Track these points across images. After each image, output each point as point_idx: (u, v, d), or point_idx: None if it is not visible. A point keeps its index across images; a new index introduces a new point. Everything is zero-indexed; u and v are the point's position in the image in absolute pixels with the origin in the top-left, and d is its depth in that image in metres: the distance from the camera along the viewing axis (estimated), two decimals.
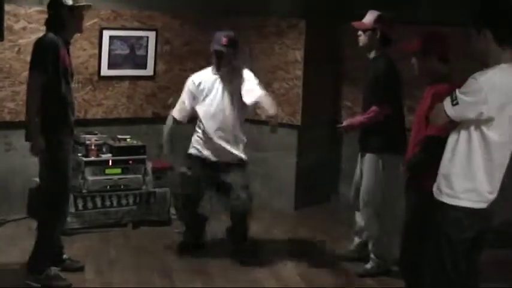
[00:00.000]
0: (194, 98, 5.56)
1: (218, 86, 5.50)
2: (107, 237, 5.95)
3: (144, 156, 6.33)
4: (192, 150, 5.61)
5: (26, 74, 4.98)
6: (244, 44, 6.87)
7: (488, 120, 3.43)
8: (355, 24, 5.33)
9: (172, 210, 6.35)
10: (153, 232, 6.15)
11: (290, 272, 5.41)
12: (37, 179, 5.10)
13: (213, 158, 5.52)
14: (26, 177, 5.81)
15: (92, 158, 6.10)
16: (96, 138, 6.23)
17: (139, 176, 6.28)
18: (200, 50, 6.92)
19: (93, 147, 6.12)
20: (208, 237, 5.90)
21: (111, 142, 6.29)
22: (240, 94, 5.44)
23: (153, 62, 6.82)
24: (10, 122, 6.10)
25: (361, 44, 5.31)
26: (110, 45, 6.54)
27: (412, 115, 4.49)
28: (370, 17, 5.26)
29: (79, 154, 6.04)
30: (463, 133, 3.51)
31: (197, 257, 5.57)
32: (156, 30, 6.76)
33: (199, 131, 5.59)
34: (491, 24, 3.47)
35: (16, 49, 6.05)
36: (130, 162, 6.25)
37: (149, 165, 6.36)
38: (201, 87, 5.53)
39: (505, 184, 3.67)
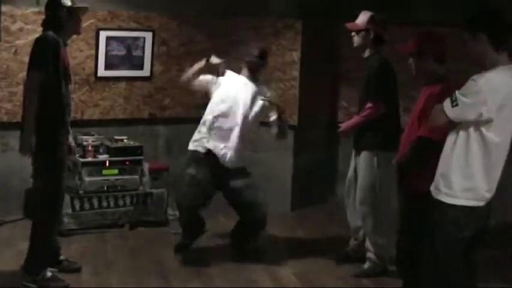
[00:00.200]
0: (213, 84, 5.58)
1: (240, 90, 5.49)
2: (104, 238, 5.95)
3: (141, 157, 6.34)
4: (197, 148, 5.52)
5: (22, 74, 4.99)
6: (241, 45, 6.90)
7: (488, 121, 3.47)
8: (349, 25, 5.35)
9: (170, 211, 6.37)
10: (150, 233, 6.16)
11: (287, 272, 5.41)
12: None
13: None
14: (23, 178, 5.79)
15: (89, 159, 6.11)
16: (93, 139, 6.24)
17: (136, 176, 6.28)
18: (197, 51, 6.92)
19: (90, 148, 6.13)
20: (207, 238, 5.91)
21: (108, 143, 6.30)
22: (254, 105, 5.49)
23: (149, 63, 6.81)
24: (7, 122, 6.11)
25: (355, 44, 5.35)
26: (106, 46, 6.54)
27: (408, 115, 4.50)
28: (363, 18, 5.29)
29: (76, 155, 6.03)
30: (462, 133, 3.55)
31: (195, 258, 5.57)
32: (152, 31, 6.76)
33: (205, 125, 5.52)
34: (487, 29, 3.51)
35: (13, 50, 6.05)
36: (127, 163, 6.25)
37: (146, 166, 6.36)
38: (224, 82, 5.56)
39: (502, 185, 3.70)
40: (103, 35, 6.50)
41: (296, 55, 6.79)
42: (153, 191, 6.33)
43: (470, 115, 3.48)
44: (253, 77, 5.55)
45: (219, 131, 5.44)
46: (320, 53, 6.98)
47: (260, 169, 6.60)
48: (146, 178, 6.34)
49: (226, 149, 5.41)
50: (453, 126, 3.61)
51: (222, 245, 5.84)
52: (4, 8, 5.97)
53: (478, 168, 3.55)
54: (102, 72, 6.57)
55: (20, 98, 5.83)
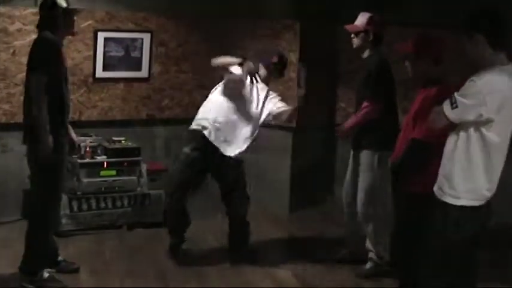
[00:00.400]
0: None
1: (253, 89, 5.51)
2: (101, 239, 5.95)
3: (139, 158, 6.34)
4: (197, 126, 5.47)
5: (21, 75, 4.98)
6: (239, 46, 6.91)
7: (487, 122, 3.48)
8: (348, 27, 5.35)
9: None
10: (147, 234, 6.15)
11: (285, 273, 5.41)
12: None
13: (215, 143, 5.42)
14: (21, 178, 5.79)
15: (87, 160, 6.10)
16: (91, 140, 6.24)
17: (134, 177, 6.28)
18: (195, 52, 6.93)
19: (88, 149, 6.13)
20: (205, 239, 5.90)
21: (106, 144, 6.29)
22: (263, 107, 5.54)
23: (148, 64, 6.81)
24: (5, 123, 6.10)
25: (354, 46, 5.35)
26: (104, 47, 6.54)
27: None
28: (361, 19, 5.29)
29: (74, 156, 6.04)
30: (462, 134, 3.57)
31: (192, 259, 5.57)
32: (151, 31, 6.76)
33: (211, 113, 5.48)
34: (485, 29, 3.52)
35: (11, 51, 6.05)
36: (125, 164, 6.25)
37: (144, 167, 6.36)
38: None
39: (502, 185, 3.71)
40: (101, 36, 6.50)
41: (294, 56, 6.79)
42: (151, 192, 6.33)
43: (470, 116, 3.49)
44: (267, 81, 5.62)
45: (224, 125, 5.41)
46: (318, 54, 6.98)
47: (258, 170, 6.61)
48: (144, 179, 6.34)
49: (227, 143, 5.40)
50: (453, 128, 3.62)
51: (221, 246, 5.83)
52: (2, 9, 5.97)
53: (479, 169, 3.58)
54: (100, 73, 6.57)
55: (18, 99, 5.83)
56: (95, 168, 6.13)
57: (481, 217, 3.67)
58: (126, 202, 6.24)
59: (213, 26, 6.98)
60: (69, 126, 4.96)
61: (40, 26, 4.73)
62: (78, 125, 6.18)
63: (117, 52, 6.63)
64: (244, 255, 5.60)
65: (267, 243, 6.10)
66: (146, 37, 6.75)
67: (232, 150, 5.40)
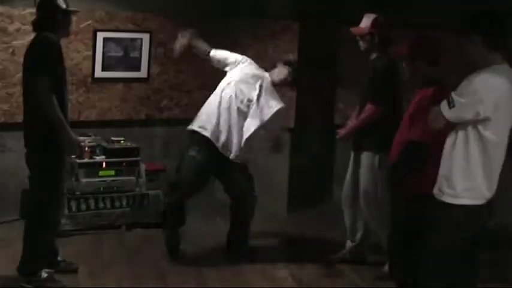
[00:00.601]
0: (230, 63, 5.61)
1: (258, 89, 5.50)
2: (100, 239, 5.95)
3: (138, 158, 6.34)
4: (198, 128, 5.47)
5: (20, 75, 4.95)
6: (238, 46, 6.90)
7: (485, 120, 3.50)
8: (353, 30, 5.32)
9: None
10: (146, 234, 6.16)
11: (283, 274, 5.42)
12: None
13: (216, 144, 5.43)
14: (20, 178, 5.79)
15: (86, 160, 6.11)
16: (89, 140, 6.24)
17: (133, 178, 6.29)
18: (194, 52, 6.92)
19: (86, 149, 6.13)
20: (204, 239, 5.91)
21: (104, 144, 6.29)
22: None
23: (147, 64, 6.81)
24: (4, 123, 6.10)
25: (361, 48, 5.31)
26: (103, 47, 6.54)
27: None
28: (366, 21, 5.25)
29: (73, 156, 6.03)
30: (461, 134, 3.59)
31: (191, 259, 5.57)
32: (150, 32, 6.76)
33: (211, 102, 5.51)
34: (481, 30, 3.54)
35: (10, 51, 6.05)
36: (124, 164, 6.25)
37: (143, 167, 6.36)
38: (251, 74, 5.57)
39: (502, 185, 3.73)
40: (100, 36, 6.50)
41: (293, 57, 6.77)
42: (150, 192, 6.34)
43: (467, 115, 3.51)
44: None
45: (223, 127, 5.42)
46: (317, 55, 6.98)
47: (257, 171, 6.59)
48: (143, 179, 6.34)
49: (228, 145, 5.40)
50: (452, 128, 3.63)
51: (219, 246, 5.84)
52: (1, 9, 5.98)
53: (478, 168, 3.59)
54: (99, 73, 6.56)
55: (17, 99, 5.83)
56: (93, 168, 6.13)
57: (481, 217, 3.69)
58: (124, 202, 6.24)
59: (212, 26, 6.97)
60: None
61: (39, 27, 4.70)
62: (77, 125, 6.18)
63: (116, 52, 6.63)
64: (243, 255, 5.60)
65: (264, 243, 6.10)
66: (145, 37, 6.75)
67: (233, 152, 5.40)
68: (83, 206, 6.06)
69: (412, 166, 4.14)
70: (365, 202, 5.30)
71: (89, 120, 6.59)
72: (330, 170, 7.40)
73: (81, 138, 6.18)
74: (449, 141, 3.68)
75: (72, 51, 6.32)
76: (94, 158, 6.17)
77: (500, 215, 4.00)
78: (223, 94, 5.47)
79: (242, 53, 5.72)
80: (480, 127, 3.54)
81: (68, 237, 5.85)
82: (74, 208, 5.99)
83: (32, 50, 4.66)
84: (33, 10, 5.85)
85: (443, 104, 3.58)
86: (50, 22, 4.67)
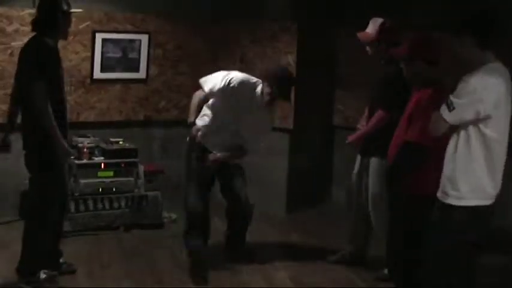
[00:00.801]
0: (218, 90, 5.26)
1: (253, 103, 5.26)
2: (98, 240, 5.95)
3: (137, 159, 6.34)
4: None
5: None
6: (237, 47, 6.91)
7: (486, 118, 3.50)
8: (360, 36, 5.24)
9: (164, 214, 6.36)
10: (144, 235, 6.15)
11: (282, 275, 5.41)
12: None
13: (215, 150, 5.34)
14: (19, 179, 5.79)
15: (85, 161, 6.11)
16: (88, 141, 6.24)
17: (132, 179, 6.28)
18: (193, 54, 6.94)
19: (85, 150, 6.13)
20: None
21: (103, 145, 6.30)
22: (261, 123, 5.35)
23: (145, 65, 6.82)
24: (3, 124, 6.08)
25: (369, 53, 5.26)
26: (102, 48, 6.54)
27: None
28: (373, 27, 5.18)
29: (72, 157, 6.03)
30: (462, 135, 3.59)
31: (190, 260, 5.57)
32: (148, 33, 6.77)
33: (207, 119, 5.36)
34: (474, 30, 3.54)
35: (9, 51, 6.05)
36: (123, 165, 6.25)
37: (141, 168, 6.36)
38: (242, 92, 5.22)
39: (502, 185, 3.73)
40: (99, 37, 6.51)
41: (292, 58, 6.79)
42: (148, 193, 6.33)
43: (468, 115, 3.51)
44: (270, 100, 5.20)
45: (218, 131, 5.39)
46: (316, 56, 6.99)
47: (255, 172, 6.60)
48: (141, 180, 6.34)
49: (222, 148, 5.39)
50: (454, 130, 3.63)
51: (217, 247, 5.83)
52: (0, 10, 5.97)
53: (482, 166, 3.59)
54: (98, 74, 6.57)
55: None
56: (92, 169, 6.14)
57: (486, 218, 3.67)
58: (123, 203, 6.24)
59: (210, 27, 6.98)
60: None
61: (38, 29, 4.68)
62: (75, 126, 6.19)
63: (114, 53, 6.64)
64: (241, 256, 5.60)
65: (264, 244, 6.10)
66: (144, 38, 6.76)
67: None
68: (82, 207, 6.06)
69: (410, 167, 4.14)
70: (372, 206, 5.28)
71: (87, 121, 6.60)
72: (329, 171, 7.40)
73: (80, 139, 6.19)
74: (451, 142, 3.67)
75: (71, 52, 6.33)
76: (93, 159, 6.18)
77: (500, 215, 4.00)
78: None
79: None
80: (481, 126, 3.54)
81: (67, 238, 5.82)
82: (72, 209, 5.99)
83: (28, 54, 4.63)
84: (32, 11, 5.89)
85: (443, 109, 3.58)
86: (50, 24, 4.64)
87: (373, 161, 5.25)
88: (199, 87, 5.35)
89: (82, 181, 6.04)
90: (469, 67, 3.58)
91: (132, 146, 6.39)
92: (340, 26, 6.93)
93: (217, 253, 5.70)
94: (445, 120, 3.57)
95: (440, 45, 4.40)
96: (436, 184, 3.81)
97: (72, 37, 5.77)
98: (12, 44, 6.05)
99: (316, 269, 5.53)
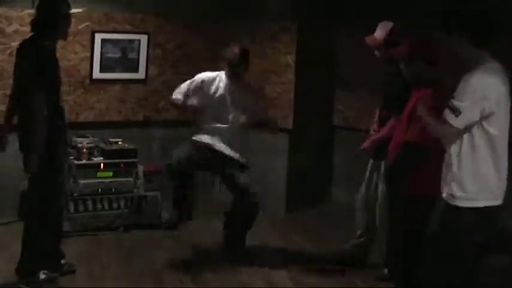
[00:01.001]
0: (197, 90, 5.58)
1: (226, 90, 5.52)
2: (98, 241, 5.94)
3: (136, 160, 6.33)
4: (197, 139, 5.58)
5: None
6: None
7: (489, 116, 3.47)
8: (368, 40, 5.20)
9: (163, 214, 6.35)
10: (144, 235, 6.14)
11: (281, 275, 5.41)
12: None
13: (215, 147, 5.52)
14: (18, 179, 5.78)
15: (84, 161, 6.10)
16: (87, 142, 6.23)
17: (131, 179, 6.28)
18: (192, 54, 6.93)
19: (84, 150, 6.12)
20: (202, 240, 5.90)
21: (102, 145, 6.29)
22: (245, 104, 5.52)
23: (144, 66, 6.82)
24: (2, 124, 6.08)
25: (377, 56, 5.22)
26: (101, 48, 6.54)
27: None
28: (382, 31, 5.14)
29: (71, 157, 6.03)
30: (466, 135, 3.55)
31: (189, 260, 5.56)
32: (148, 33, 6.76)
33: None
34: (468, 28, 3.52)
35: (8, 52, 6.04)
36: (122, 165, 6.25)
37: (140, 169, 6.35)
38: (209, 85, 5.57)
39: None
40: (98, 37, 6.50)
41: (292, 58, 6.79)
42: (148, 193, 6.32)
43: (475, 115, 3.48)
44: (235, 76, 5.52)
45: (212, 129, 5.48)
46: (316, 56, 6.98)
47: (255, 171, 6.59)
48: (141, 181, 6.33)
49: (222, 144, 5.46)
50: (462, 133, 3.58)
51: (217, 247, 5.83)
52: (0, 10, 5.97)
53: (488, 166, 3.55)
54: (97, 74, 6.57)
55: None
56: (91, 170, 6.13)
57: (494, 218, 3.65)
58: (122, 204, 6.23)
59: (210, 27, 6.98)
60: None
61: (38, 30, 4.66)
62: (75, 126, 6.19)
63: (114, 53, 6.63)
64: (241, 256, 5.59)
65: (263, 244, 6.09)
66: (143, 39, 6.75)
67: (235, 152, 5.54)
68: (81, 208, 6.05)
69: (410, 167, 4.13)
70: (381, 202, 5.26)
71: (87, 122, 6.59)
72: (329, 171, 7.40)
73: (79, 139, 6.18)
74: (455, 145, 3.63)
75: (70, 52, 6.32)
76: (92, 160, 6.16)
77: (502, 215, 3.98)
78: None
79: (226, 52, 5.68)
80: (485, 124, 3.51)
81: (66, 238, 5.81)
82: (72, 209, 5.99)
83: (26, 57, 4.61)
84: (32, 11, 5.88)
85: (448, 116, 3.52)
86: (50, 25, 4.62)
87: (386, 162, 5.23)
88: None
89: (81, 181, 6.03)
90: (468, 67, 3.56)
91: (131, 146, 6.38)
92: (340, 26, 6.93)
93: (217, 254, 5.71)
94: (453, 127, 3.52)
95: (440, 45, 4.40)
96: (436, 184, 3.80)
97: (71, 37, 5.74)
98: (12, 44, 6.02)
99: (316, 269, 5.52)
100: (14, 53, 5.92)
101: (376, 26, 5.25)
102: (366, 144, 5.29)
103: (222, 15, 6.94)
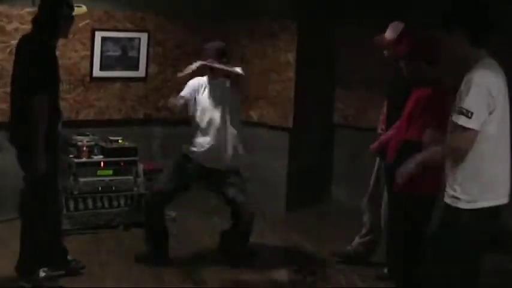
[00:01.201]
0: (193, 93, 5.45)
1: (210, 93, 5.38)
2: (98, 239, 5.95)
3: (136, 158, 6.34)
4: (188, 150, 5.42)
5: None
6: (237, 46, 6.90)
7: (491, 112, 3.42)
8: (377, 40, 5.13)
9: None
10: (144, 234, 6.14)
11: (281, 274, 5.41)
12: None
13: (206, 165, 5.36)
14: (18, 177, 5.78)
15: (84, 160, 6.10)
16: (87, 140, 6.23)
17: (131, 177, 6.28)
18: (192, 52, 6.92)
19: (84, 148, 6.12)
20: (202, 239, 5.91)
21: (102, 143, 6.29)
22: (231, 103, 5.36)
23: (145, 64, 6.82)
24: (2, 122, 6.08)
25: (385, 55, 5.19)
26: (102, 47, 6.54)
27: None
28: (393, 32, 5.07)
29: (71, 155, 6.03)
30: None
31: (189, 260, 5.57)
32: (148, 31, 6.76)
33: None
34: (466, 26, 3.50)
35: (8, 50, 6.04)
36: (122, 163, 6.25)
37: (140, 167, 6.36)
38: (199, 88, 5.45)
39: None
40: (98, 35, 6.51)
41: (292, 56, 6.79)
42: (148, 192, 6.32)
43: (486, 112, 3.40)
44: (214, 76, 5.34)
45: (203, 132, 5.37)
46: (316, 55, 6.98)
47: (255, 171, 6.62)
48: (141, 179, 6.34)
49: (210, 149, 5.35)
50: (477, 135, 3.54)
51: (217, 247, 5.82)
52: (0, 8, 5.96)
53: (491, 165, 3.50)
54: (97, 72, 6.57)
55: None
56: (91, 168, 6.13)
57: (498, 218, 3.63)
58: (122, 202, 6.24)
59: (210, 26, 6.97)
60: None
61: (39, 29, 4.64)
62: (75, 124, 6.20)
63: (114, 52, 6.64)
64: (242, 256, 5.59)
65: (263, 243, 6.09)
66: (143, 37, 6.76)
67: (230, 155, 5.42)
68: (81, 206, 6.06)
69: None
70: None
71: (87, 120, 6.59)
72: (329, 170, 7.40)
73: (79, 137, 6.18)
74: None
75: (70, 50, 6.32)
76: (92, 158, 6.17)
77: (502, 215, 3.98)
78: None
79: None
80: (485, 124, 3.46)
81: (66, 236, 5.82)
82: (71, 207, 6.00)
83: (26, 56, 4.60)
84: (32, 10, 5.89)
85: (461, 120, 3.39)
86: (51, 25, 4.61)
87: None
88: None
89: (81, 180, 6.04)
90: (468, 66, 3.54)
91: (131, 145, 6.38)
92: (340, 25, 6.93)
93: (217, 253, 5.71)
94: (469, 130, 3.39)
95: (440, 45, 4.39)
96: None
97: (71, 35, 5.74)
98: (12, 42, 6.01)
99: (316, 269, 5.53)
100: (14, 51, 5.97)
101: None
102: (375, 145, 5.27)
103: (222, 14, 6.94)
